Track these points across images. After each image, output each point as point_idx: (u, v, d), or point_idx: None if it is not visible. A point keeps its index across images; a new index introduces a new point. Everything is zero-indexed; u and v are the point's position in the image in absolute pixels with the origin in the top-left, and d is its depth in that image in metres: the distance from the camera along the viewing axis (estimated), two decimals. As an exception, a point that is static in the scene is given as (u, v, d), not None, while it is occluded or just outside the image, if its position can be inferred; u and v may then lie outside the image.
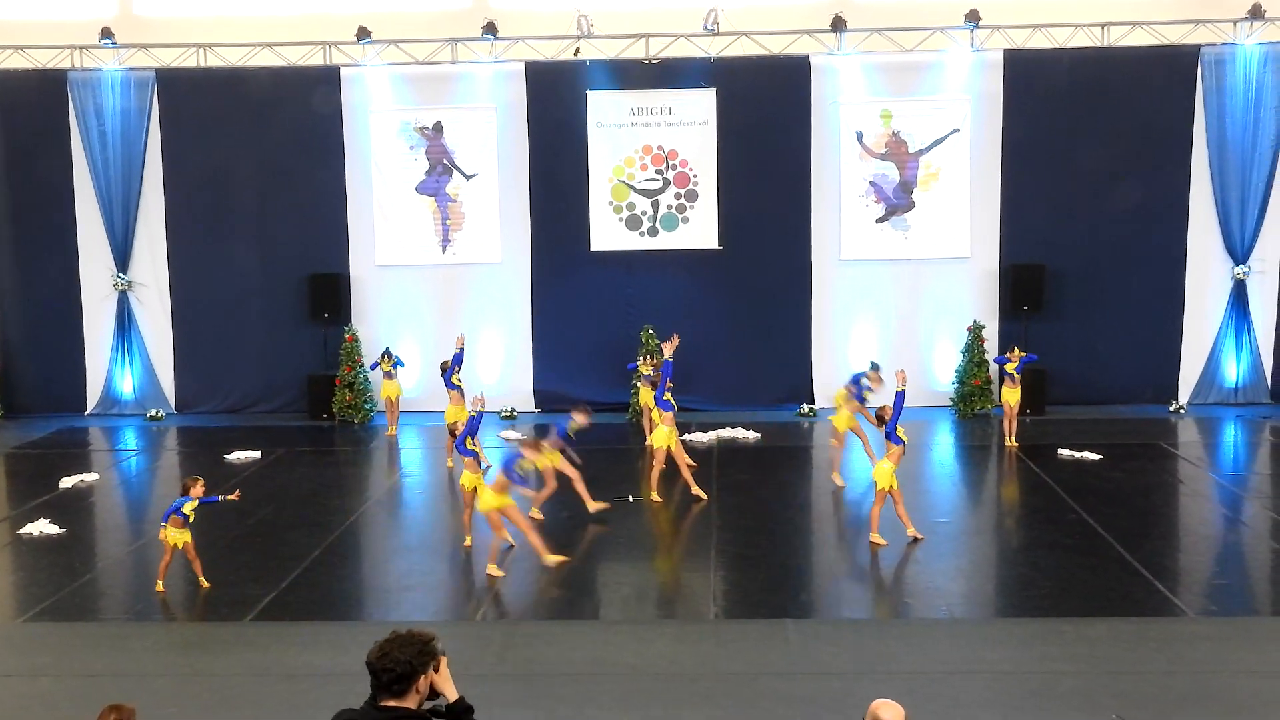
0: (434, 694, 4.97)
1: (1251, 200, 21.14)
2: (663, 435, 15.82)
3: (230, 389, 22.49)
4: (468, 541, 14.01)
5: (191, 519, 12.63)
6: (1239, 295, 21.39)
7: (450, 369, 18.08)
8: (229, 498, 13.29)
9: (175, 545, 12.60)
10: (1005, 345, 20.12)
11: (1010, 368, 18.54)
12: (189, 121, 21.88)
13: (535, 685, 10.19)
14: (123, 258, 22.14)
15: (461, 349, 18.35)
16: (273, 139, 21.83)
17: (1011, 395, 18.48)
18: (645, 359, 19.68)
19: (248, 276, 22.13)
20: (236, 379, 22.45)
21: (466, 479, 13.82)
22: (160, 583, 12.71)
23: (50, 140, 21.94)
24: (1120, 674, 10.11)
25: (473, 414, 14.26)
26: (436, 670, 4.94)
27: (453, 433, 15.42)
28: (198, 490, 12.66)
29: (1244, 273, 21.31)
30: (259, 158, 21.90)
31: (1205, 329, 21.61)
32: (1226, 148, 21.05)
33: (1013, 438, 18.59)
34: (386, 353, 20.51)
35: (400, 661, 4.83)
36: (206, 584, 12.77)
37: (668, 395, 16.14)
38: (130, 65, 21.75)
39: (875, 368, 17.71)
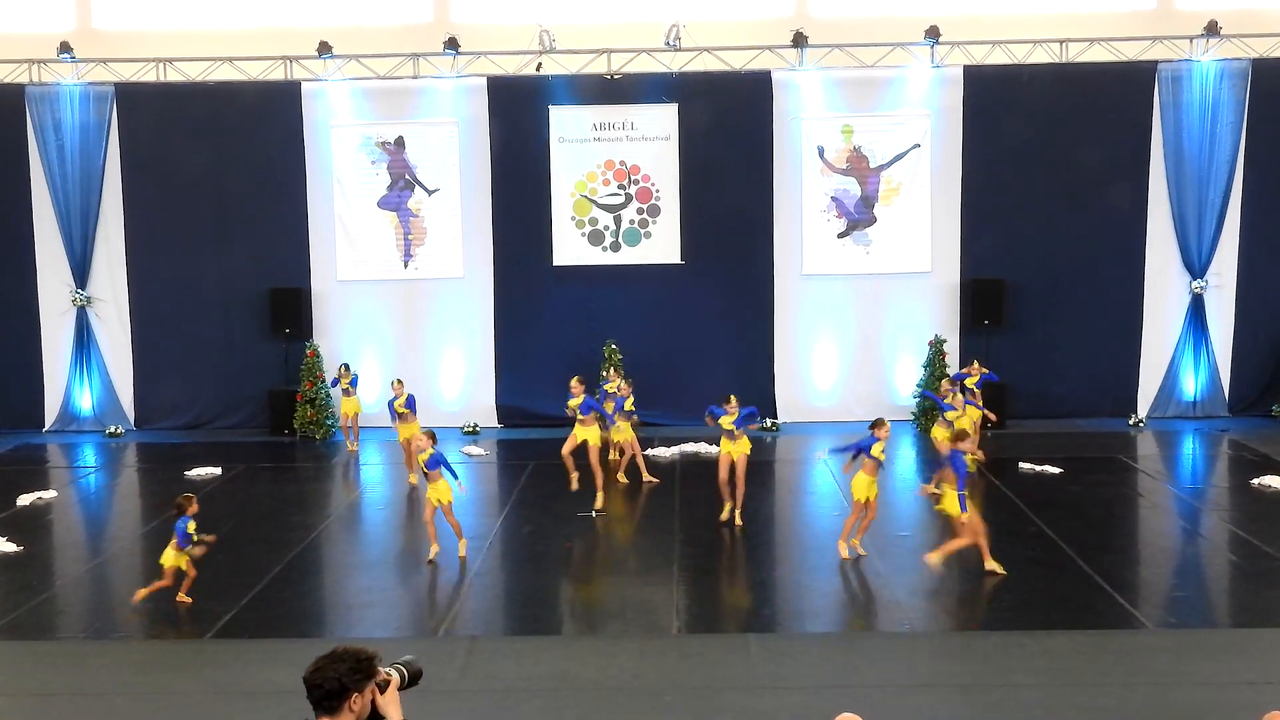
0: (379, 716, 4.88)
1: (1208, 215, 21.38)
2: (595, 433, 16.46)
3: (190, 405, 22.32)
4: (433, 553, 13.93)
5: (195, 540, 12.55)
6: (1197, 309, 21.61)
7: (391, 408, 18.04)
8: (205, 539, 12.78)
9: (177, 567, 12.50)
10: (965, 360, 20.23)
11: (970, 383, 18.62)
12: (148, 136, 21.74)
13: (497, 701, 10.14)
14: (81, 273, 21.97)
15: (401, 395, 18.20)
16: (233, 153, 21.71)
17: (973, 415, 18.44)
18: (608, 372, 19.65)
19: (208, 291, 21.98)
20: (197, 394, 22.27)
21: (433, 489, 13.72)
22: (144, 592, 12.52)
23: (8, 155, 21.75)
24: (1080, 686, 10.15)
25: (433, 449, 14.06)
26: (383, 692, 4.85)
27: (430, 436, 14.98)
28: (193, 508, 12.56)
29: (1201, 287, 21.53)
30: (219, 172, 21.76)
31: (1163, 343, 21.81)
32: (1184, 163, 21.29)
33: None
34: (344, 368, 20.39)
35: (330, 678, 4.73)
36: (188, 600, 12.63)
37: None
38: (89, 79, 21.61)
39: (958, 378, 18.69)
